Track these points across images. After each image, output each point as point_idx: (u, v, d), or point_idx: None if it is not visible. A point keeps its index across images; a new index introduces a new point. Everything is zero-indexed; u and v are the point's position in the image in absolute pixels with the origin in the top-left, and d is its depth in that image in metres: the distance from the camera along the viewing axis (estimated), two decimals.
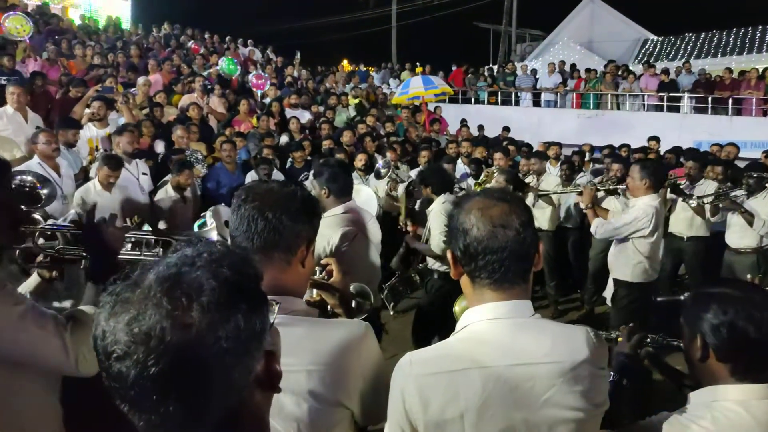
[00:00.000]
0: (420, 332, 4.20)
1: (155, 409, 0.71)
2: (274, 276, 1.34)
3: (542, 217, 5.83)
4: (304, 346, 1.29)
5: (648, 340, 1.79)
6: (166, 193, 5.03)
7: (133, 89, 8.08)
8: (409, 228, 4.54)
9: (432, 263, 4.26)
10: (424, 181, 4.46)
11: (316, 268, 1.76)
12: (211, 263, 0.75)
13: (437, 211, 4.19)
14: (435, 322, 4.19)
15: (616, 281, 4.15)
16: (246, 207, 1.36)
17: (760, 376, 1.34)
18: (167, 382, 0.70)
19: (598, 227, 4.10)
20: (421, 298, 4.57)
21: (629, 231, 3.95)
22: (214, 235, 1.80)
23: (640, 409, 1.56)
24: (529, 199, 5.57)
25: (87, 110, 6.25)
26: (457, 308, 2.06)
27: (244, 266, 0.79)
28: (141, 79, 8.37)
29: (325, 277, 1.72)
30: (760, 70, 13.61)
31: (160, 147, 6.37)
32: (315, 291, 1.69)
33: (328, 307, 1.68)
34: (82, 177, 5.10)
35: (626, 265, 4.04)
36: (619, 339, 1.80)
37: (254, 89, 9.94)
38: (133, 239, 1.93)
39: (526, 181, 5.95)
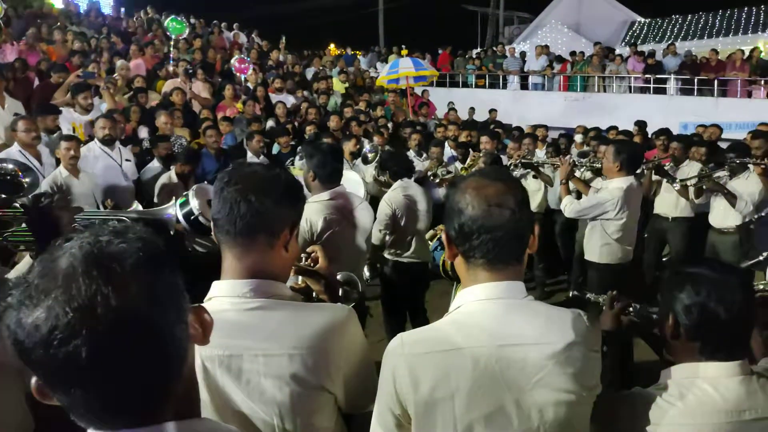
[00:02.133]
0: (390, 319, 4.21)
1: (115, 380, 0.71)
2: (256, 260, 1.33)
3: (531, 200, 5.80)
4: (286, 330, 1.28)
5: (631, 308, 1.80)
6: (169, 179, 4.98)
7: (115, 74, 7.96)
8: None
9: (386, 252, 4.21)
10: (384, 165, 4.43)
11: (302, 255, 1.76)
12: (118, 235, 0.76)
13: (384, 198, 4.14)
14: (400, 307, 4.22)
15: (587, 262, 4.18)
16: (229, 190, 1.34)
17: (730, 355, 1.36)
18: (123, 348, 0.70)
19: (566, 205, 4.13)
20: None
21: (595, 212, 3.97)
22: (171, 212, 1.77)
23: (619, 377, 1.58)
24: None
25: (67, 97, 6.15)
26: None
27: (147, 234, 0.81)
28: (119, 63, 8.24)
29: (311, 264, 1.72)
30: (746, 52, 13.68)
31: (143, 133, 6.29)
32: (300, 278, 1.68)
33: (313, 294, 1.68)
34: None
35: (595, 246, 4.07)
36: (603, 306, 1.81)
37: (237, 74, 9.81)
38: (83, 221, 1.89)
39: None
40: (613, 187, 3.95)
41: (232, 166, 1.44)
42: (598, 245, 4.04)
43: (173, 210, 1.78)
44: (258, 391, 1.26)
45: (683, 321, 1.38)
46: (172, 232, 1.77)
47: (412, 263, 4.14)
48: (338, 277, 1.84)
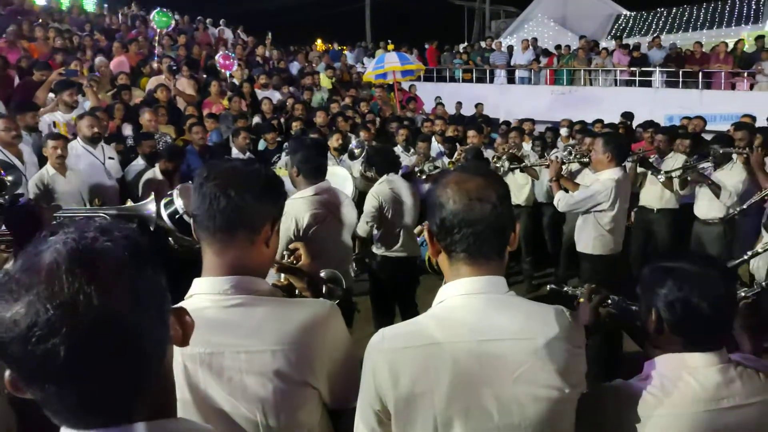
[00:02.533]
0: (378, 312, 4.22)
1: (91, 379, 0.70)
2: (237, 256, 1.31)
3: (519, 194, 5.86)
4: (268, 326, 1.27)
5: (609, 301, 1.80)
6: (154, 176, 4.92)
7: (96, 72, 7.86)
8: None
9: (374, 246, 4.23)
10: (369, 161, 4.44)
11: (285, 252, 1.74)
12: (104, 233, 0.75)
13: (371, 192, 4.15)
14: (389, 302, 4.22)
15: (580, 254, 4.21)
16: (208, 185, 1.32)
17: (712, 347, 1.37)
18: (102, 348, 0.69)
19: (560, 200, 4.15)
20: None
21: (589, 205, 4.00)
22: (151, 207, 1.76)
23: (603, 369, 1.58)
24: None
25: (51, 95, 6.07)
26: None
27: (132, 233, 0.80)
28: (97, 60, 8.14)
29: (294, 262, 1.70)
30: (730, 45, 13.79)
31: (127, 130, 6.22)
32: (283, 275, 1.67)
33: (296, 291, 1.66)
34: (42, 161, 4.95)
35: (588, 237, 4.10)
36: (581, 300, 1.81)
37: (221, 70, 9.72)
38: (64, 218, 1.87)
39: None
40: (605, 178, 3.97)
41: (211, 161, 1.43)
42: (592, 237, 4.07)
43: (153, 206, 1.76)
44: (240, 388, 1.25)
45: (666, 316, 1.38)
46: (152, 228, 1.76)
47: (400, 258, 4.15)
48: (322, 274, 1.83)
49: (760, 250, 2.50)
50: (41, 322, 0.67)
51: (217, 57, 10.03)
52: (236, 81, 9.55)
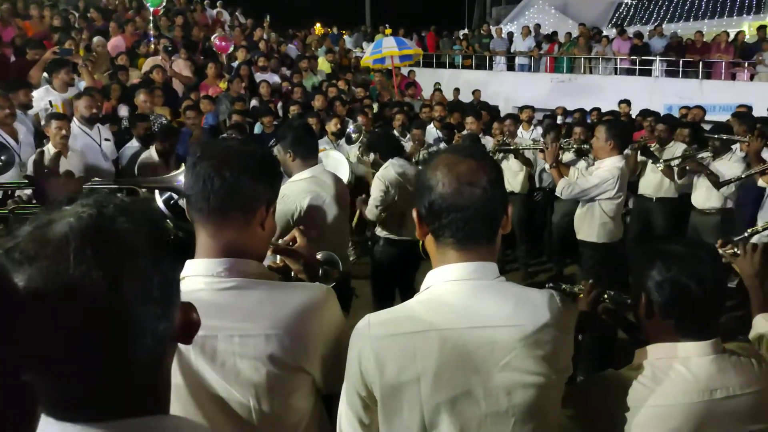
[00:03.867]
0: (378, 296, 4.21)
1: (84, 369, 0.66)
2: (231, 237, 1.28)
3: (514, 181, 5.84)
4: (263, 309, 1.25)
5: (605, 296, 1.80)
6: (150, 157, 4.88)
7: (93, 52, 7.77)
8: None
9: (378, 229, 4.24)
10: (371, 146, 4.42)
11: (281, 241, 1.73)
12: (123, 212, 0.70)
13: (377, 176, 4.14)
14: (390, 285, 4.22)
15: (581, 242, 4.18)
16: (202, 165, 1.29)
17: (703, 333, 1.36)
18: (100, 339, 0.65)
19: (564, 188, 4.10)
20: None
21: (594, 193, 3.97)
22: (182, 178, 1.71)
23: (597, 364, 1.58)
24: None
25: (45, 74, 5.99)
26: None
27: (155, 216, 0.76)
28: (95, 40, 8.04)
29: (290, 244, 1.68)
30: (731, 35, 13.72)
31: (123, 111, 6.17)
32: (279, 257, 1.65)
33: (292, 273, 1.64)
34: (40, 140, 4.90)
35: (592, 226, 4.07)
36: (580, 295, 1.81)
37: (218, 52, 9.61)
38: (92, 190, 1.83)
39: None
40: (610, 166, 3.94)
41: (206, 141, 1.40)
42: (596, 225, 4.04)
43: (182, 177, 1.73)
44: (234, 372, 1.23)
45: (656, 298, 1.37)
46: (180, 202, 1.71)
47: (405, 241, 4.14)
48: (319, 256, 1.81)
49: (760, 229, 2.49)
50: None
51: (213, 38, 9.90)
52: (238, 62, 9.43)
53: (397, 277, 4.23)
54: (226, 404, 1.24)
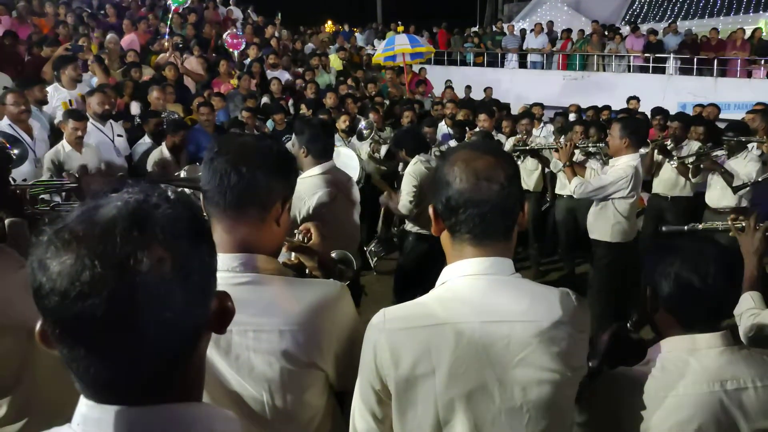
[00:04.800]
0: (400, 292, 4.21)
1: (122, 350, 0.67)
2: (247, 233, 1.29)
3: (529, 179, 5.81)
4: (277, 305, 1.25)
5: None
6: (161, 154, 4.93)
7: (105, 49, 7.84)
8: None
9: (409, 225, 4.27)
10: (398, 143, 4.44)
11: (296, 232, 1.73)
12: (166, 200, 0.72)
13: (408, 172, 4.16)
14: (414, 282, 4.21)
15: (594, 242, 4.16)
16: (219, 160, 1.29)
17: (708, 327, 1.36)
18: (139, 318, 0.66)
19: (577, 187, 4.06)
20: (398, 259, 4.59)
21: (608, 192, 3.93)
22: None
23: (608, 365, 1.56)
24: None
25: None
26: None
27: (195, 206, 0.76)
28: (108, 37, 8.11)
29: (305, 241, 1.68)
30: (747, 32, 13.55)
31: (135, 108, 6.21)
32: (294, 254, 1.65)
33: (306, 270, 1.64)
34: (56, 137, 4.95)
35: (605, 225, 4.04)
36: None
37: (230, 49, 9.63)
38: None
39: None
40: (623, 164, 3.90)
41: (223, 136, 1.40)
42: (610, 224, 4.01)
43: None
44: (247, 367, 1.24)
45: (661, 293, 1.38)
46: None
47: (432, 236, 4.14)
48: (333, 254, 1.81)
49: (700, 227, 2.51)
50: (85, 279, 0.63)
51: (225, 36, 9.92)
52: (248, 60, 9.45)
53: (424, 273, 4.24)
54: (239, 398, 1.25)
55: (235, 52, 9.62)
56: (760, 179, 4.43)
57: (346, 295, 1.38)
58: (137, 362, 0.68)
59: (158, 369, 0.70)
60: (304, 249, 1.62)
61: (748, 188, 4.73)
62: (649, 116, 7.63)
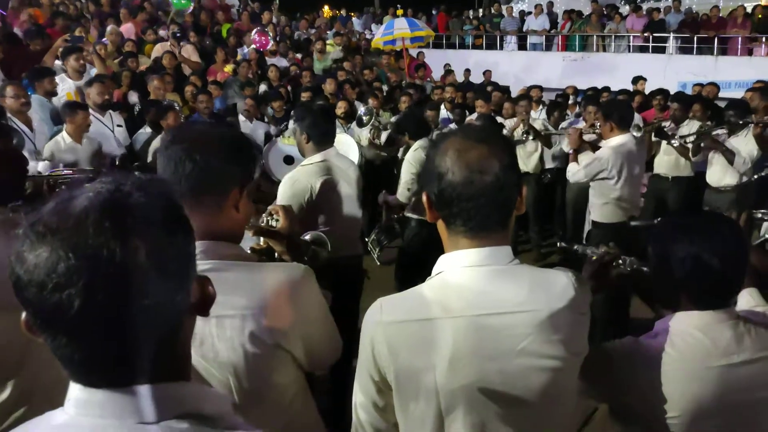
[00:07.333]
0: (402, 278, 4.23)
1: (101, 337, 0.69)
2: (205, 221, 1.28)
3: (528, 161, 5.80)
4: (239, 290, 1.26)
5: (621, 261, 1.78)
6: (161, 142, 4.90)
7: (104, 39, 7.78)
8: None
9: (408, 212, 4.25)
10: (401, 127, 4.42)
11: (264, 216, 1.73)
12: (139, 189, 0.73)
13: (408, 159, 4.14)
14: (415, 267, 4.22)
15: (592, 222, 4.22)
16: (173, 148, 1.31)
17: (721, 303, 1.38)
18: (116, 307, 0.68)
19: (573, 173, 4.14)
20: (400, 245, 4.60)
21: (593, 172, 3.96)
22: None
23: (611, 335, 1.57)
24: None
25: (58, 62, 6.02)
26: None
27: (170, 193, 0.78)
28: (110, 28, 8.05)
29: (273, 225, 1.68)
30: (748, 9, 13.41)
31: (134, 98, 6.19)
32: (262, 239, 1.65)
33: (275, 254, 1.65)
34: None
35: (595, 205, 4.10)
36: (593, 258, 1.79)
37: (258, 48, 9.16)
38: None
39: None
40: (608, 145, 3.95)
41: (179, 125, 1.40)
42: (599, 204, 4.06)
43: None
44: (212, 352, 1.26)
45: (677, 272, 1.37)
46: None
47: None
48: (307, 237, 1.83)
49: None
50: (60, 270, 0.66)
51: (252, 35, 9.46)
52: (245, 46, 9.25)
53: (426, 259, 4.24)
54: (206, 383, 1.26)
55: (252, 48, 9.17)
56: (763, 174, 4.45)
57: (310, 276, 1.39)
58: (119, 349, 0.70)
59: (142, 353, 0.72)
60: (272, 233, 1.63)
61: (749, 166, 4.73)
62: (649, 96, 7.59)
